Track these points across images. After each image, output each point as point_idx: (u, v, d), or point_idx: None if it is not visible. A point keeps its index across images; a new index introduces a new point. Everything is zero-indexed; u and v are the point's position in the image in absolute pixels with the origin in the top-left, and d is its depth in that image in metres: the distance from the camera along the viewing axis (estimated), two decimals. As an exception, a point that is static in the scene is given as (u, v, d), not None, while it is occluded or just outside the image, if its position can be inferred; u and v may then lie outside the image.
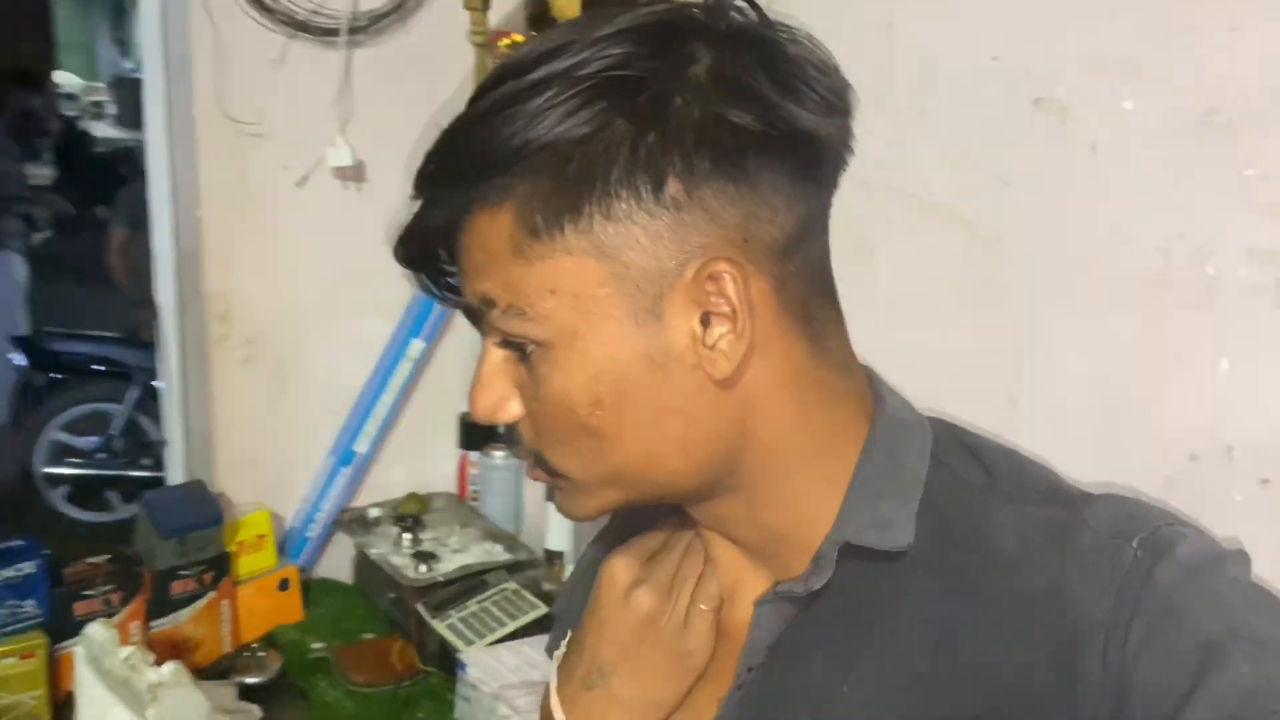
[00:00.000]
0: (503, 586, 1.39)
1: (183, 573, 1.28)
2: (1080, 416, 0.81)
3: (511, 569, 1.43)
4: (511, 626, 1.32)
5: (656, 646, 0.58)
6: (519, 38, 1.32)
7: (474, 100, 0.53)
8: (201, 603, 1.30)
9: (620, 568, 0.59)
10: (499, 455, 1.54)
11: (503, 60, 0.55)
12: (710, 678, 0.60)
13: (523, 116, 0.50)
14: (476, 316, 0.55)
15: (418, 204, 0.55)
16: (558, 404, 0.53)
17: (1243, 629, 0.45)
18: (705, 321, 0.51)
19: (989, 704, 0.50)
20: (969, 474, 0.55)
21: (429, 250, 0.56)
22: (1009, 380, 0.87)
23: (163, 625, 1.26)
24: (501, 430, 0.59)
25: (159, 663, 0.98)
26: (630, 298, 0.51)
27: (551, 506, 1.36)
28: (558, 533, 1.43)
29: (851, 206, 0.91)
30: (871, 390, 0.58)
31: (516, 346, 0.54)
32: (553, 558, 1.43)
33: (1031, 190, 0.82)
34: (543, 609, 1.34)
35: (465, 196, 0.53)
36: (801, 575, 0.55)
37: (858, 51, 0.72)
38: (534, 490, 1.51)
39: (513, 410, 0.55)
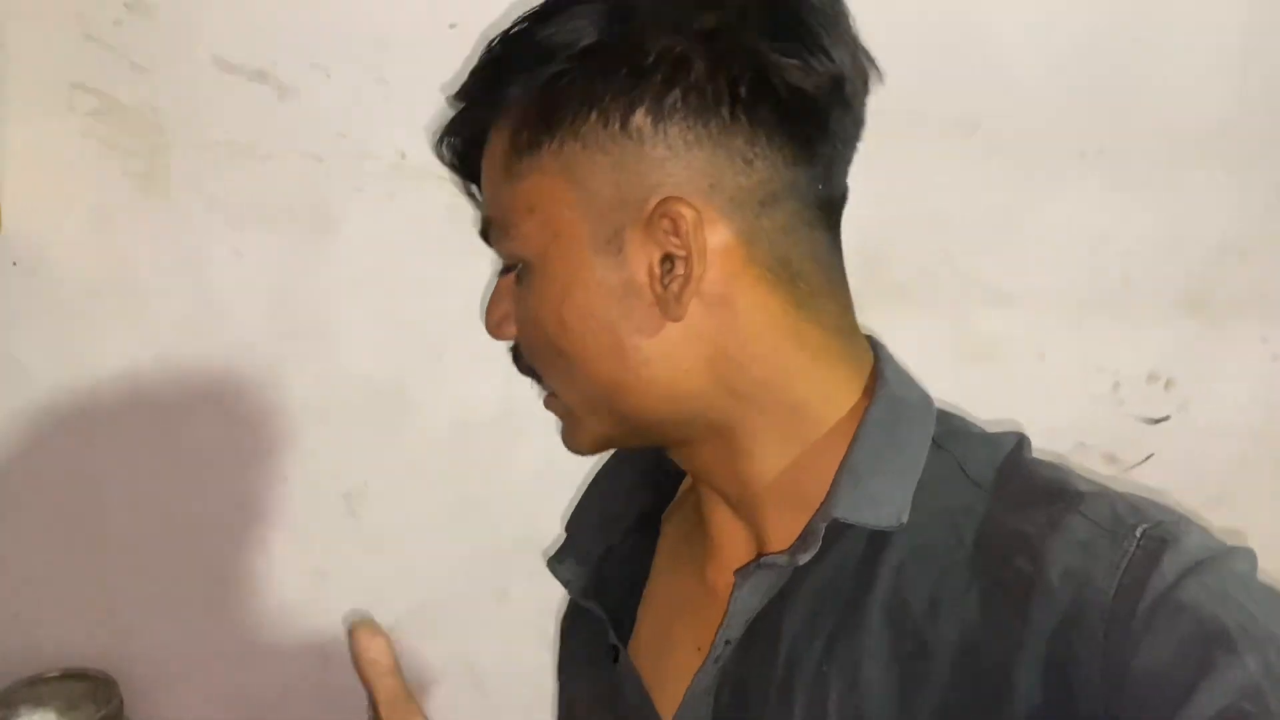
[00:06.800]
0: None
1: None
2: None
3: None
4: None
5: None
6: None
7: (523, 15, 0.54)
8: None
9: None
10: None
11: None
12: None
13: (538, 35, 0.52)
14: (487, 238, 0.57)
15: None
16: (532, 323, 0.55)
17: (1249, 624, 0.43)
18: (665, 261, 0.51)
19: (970, 687, 0.48)
20: (971, 468, 0.53)
21: (461, 157, 0.59)
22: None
23: None
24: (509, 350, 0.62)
25: None
26: (594, 225, 0.52)
27: None
28: None
29: (309, 177, 0.91)
30: (876, 366, 0.57)
31: (513, 268, 0.56)
32: None
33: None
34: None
35: (481, 113, 0.56)
36: (788, 548, 0.53)
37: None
38: None
39: (508, 329, 0.58)
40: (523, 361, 0.60)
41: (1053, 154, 0.96)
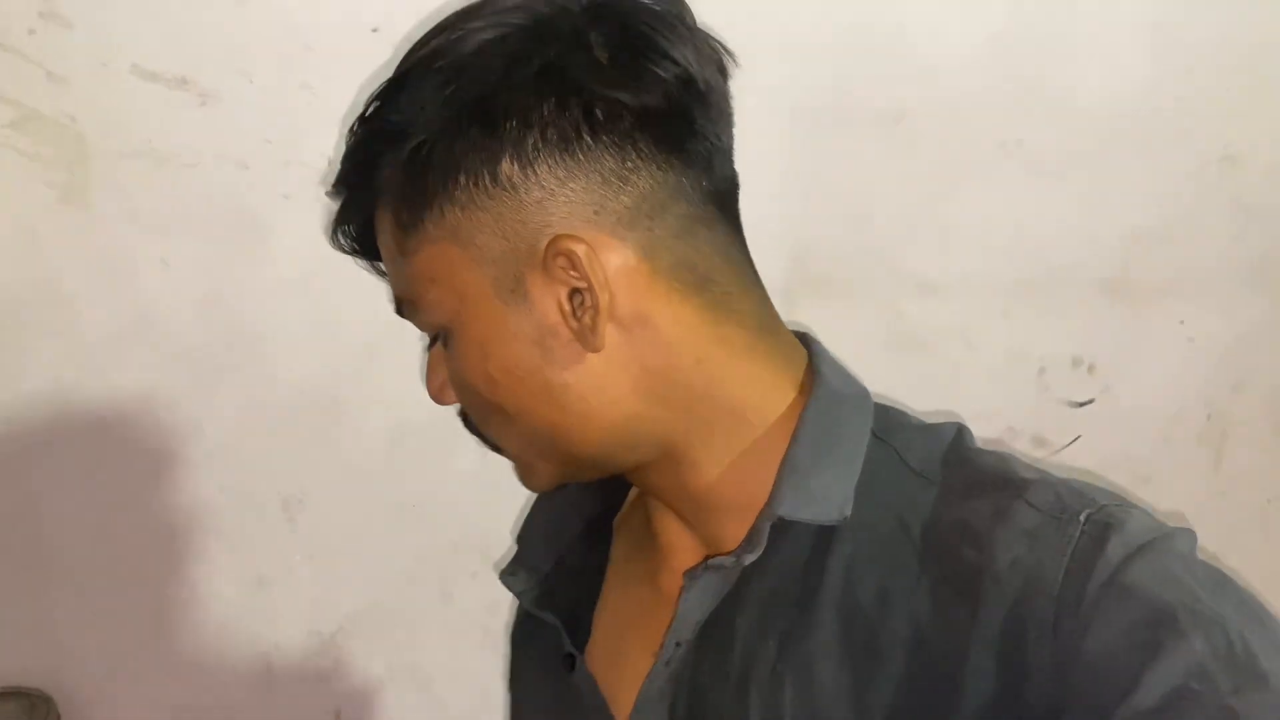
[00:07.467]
0: None
1: None
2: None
3: None
4: None
5: None
6: None
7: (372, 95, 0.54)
8: None
9: None
10: None
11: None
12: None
13: (389, 113, 0.52)
14: (402, 314, 0.57)
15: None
16: (465, 385, 0.56)
17: (1195, 604, 0.43)
18: (574, 295, 0.51)
19: (923, 680, 0.48)
20: (913, 459, 0.53)
21: (358, 242, 0.58)
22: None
23: None
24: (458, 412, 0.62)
25: None
26: (495, 280, 0.52)
27: None
28: None
29: (235, 184, 0.90)
30: (811, 363, 0.57)
31: (437, 338, 0.56)
32: None
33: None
34: None
35: (362, 199, 0.55)
36: (734, 549, 0.53)
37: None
38: None
39: (449, 395, 0.58)
40: (472, 424, 0.60)
41: (974, 145, 0.98)
